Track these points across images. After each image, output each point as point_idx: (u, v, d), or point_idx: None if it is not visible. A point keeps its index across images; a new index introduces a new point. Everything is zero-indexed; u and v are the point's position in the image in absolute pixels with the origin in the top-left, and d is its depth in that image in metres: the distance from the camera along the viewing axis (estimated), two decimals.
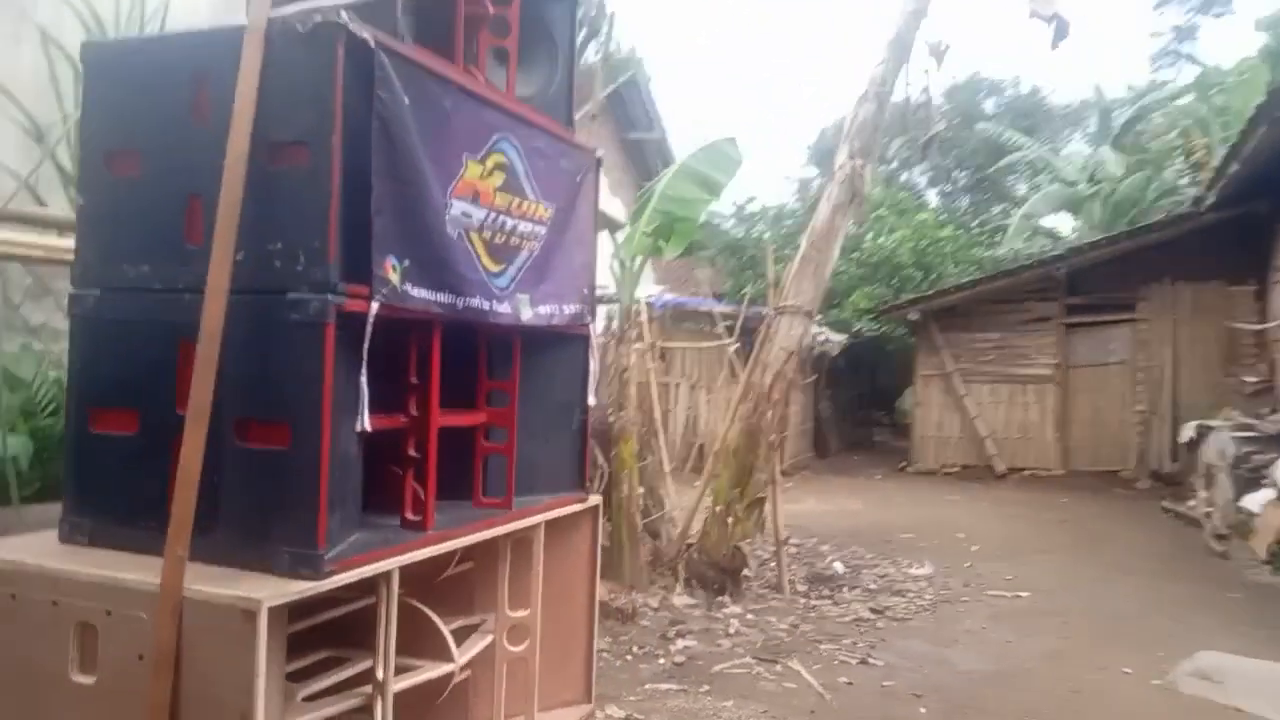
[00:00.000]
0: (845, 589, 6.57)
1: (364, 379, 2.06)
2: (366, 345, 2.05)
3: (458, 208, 2.36)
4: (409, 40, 2.30)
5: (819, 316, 14.13)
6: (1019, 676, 4.84)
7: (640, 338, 5.79)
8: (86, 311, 2.18)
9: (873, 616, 5.92)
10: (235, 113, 1.97)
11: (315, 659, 2.32)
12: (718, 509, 6.03)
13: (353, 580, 2.04)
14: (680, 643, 5.14)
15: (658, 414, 9.33)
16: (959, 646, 5.33)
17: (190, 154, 2.04)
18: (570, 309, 2.90)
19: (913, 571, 7.28)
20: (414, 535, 2.32)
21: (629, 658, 4.88)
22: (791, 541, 7.99)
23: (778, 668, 4.86)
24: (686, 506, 6.55)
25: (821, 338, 13.41)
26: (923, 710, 4.35)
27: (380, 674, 2.20)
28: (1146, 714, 4.36)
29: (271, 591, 1.85)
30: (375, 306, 2.06)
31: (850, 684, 4.68)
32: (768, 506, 6.40)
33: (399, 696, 2.46)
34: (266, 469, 2.00)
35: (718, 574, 5.97)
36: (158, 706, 1.84)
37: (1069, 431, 13.30)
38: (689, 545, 6.11)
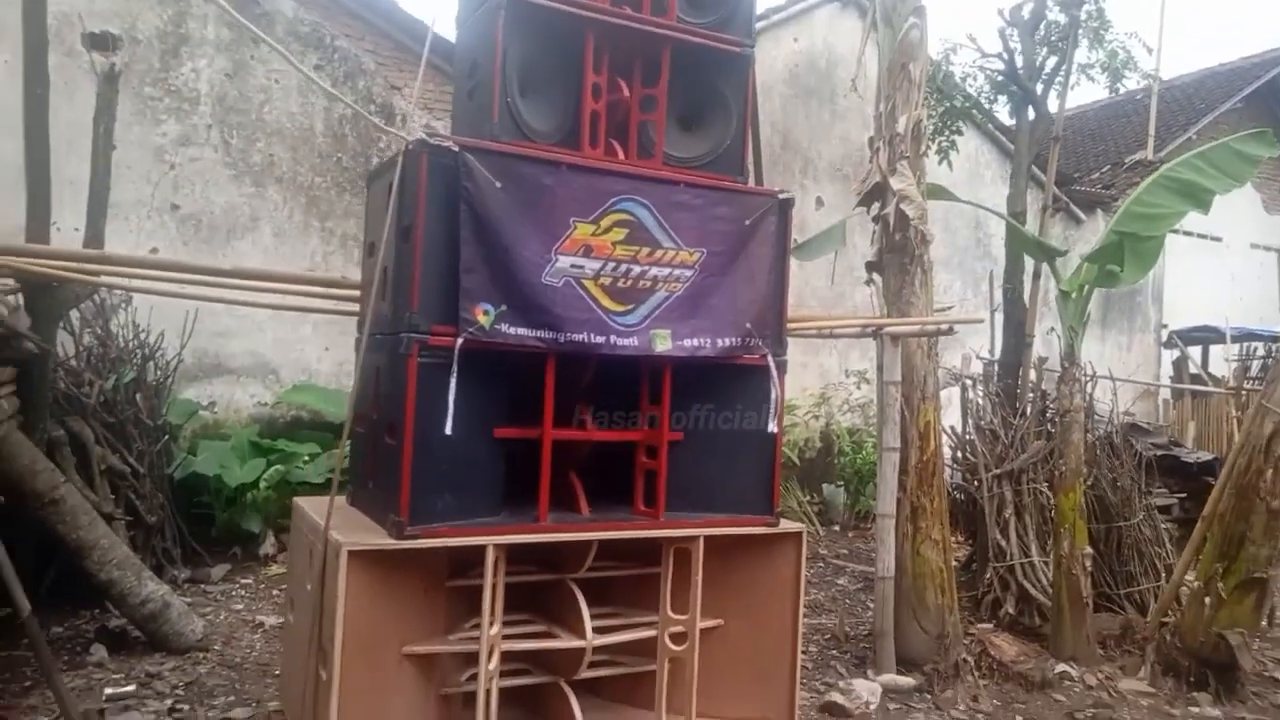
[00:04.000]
0: None
1: (451, 395, 2.75)
2: (454, 370, 2.75)
3: (565, 261, 2.89)
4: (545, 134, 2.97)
5: None
6: None
7: (1078, 379, 5.12)
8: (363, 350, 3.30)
9: None
10: (389, 210, 2.89)
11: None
12: (1195, 585, 4.96)
13: (435, 545, 2.75)
14: None
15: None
16: None
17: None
18: (725, 342, 3.12)
19: None
20: (526, 523, 2.91)
21: None
22: None
23: None
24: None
25: None
26: None
27: (488, 629, 2.83)
28: None
29: (357, 541, 2.68)
30: (460, 341, 2.75)
31: None
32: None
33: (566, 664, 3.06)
34: (390, 457, 2.83)
35: (1195, 664, 4.90)
36: (316, 609, 2.80)
37: None
38: (1162, 624, 5.13)
